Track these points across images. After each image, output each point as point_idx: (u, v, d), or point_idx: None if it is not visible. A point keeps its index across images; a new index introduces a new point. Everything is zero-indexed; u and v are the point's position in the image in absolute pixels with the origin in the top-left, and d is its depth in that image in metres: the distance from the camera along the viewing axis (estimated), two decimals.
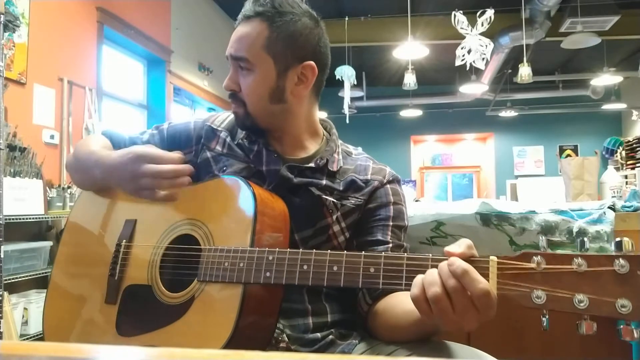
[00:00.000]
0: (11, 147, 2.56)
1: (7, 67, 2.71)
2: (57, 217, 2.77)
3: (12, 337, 2.26)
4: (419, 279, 0.65)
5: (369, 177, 0.97)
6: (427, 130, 8.83)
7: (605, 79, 6.39)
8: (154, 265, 0.87)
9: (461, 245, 0.66)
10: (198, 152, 1.01)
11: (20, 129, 2.71)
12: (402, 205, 0.97)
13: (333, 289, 0.93)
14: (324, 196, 0.92)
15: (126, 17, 3.95)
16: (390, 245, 0.91)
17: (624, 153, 7.80)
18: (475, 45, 3.91)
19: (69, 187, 2.96)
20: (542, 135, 8.46)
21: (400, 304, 0.80)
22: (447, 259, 0.65)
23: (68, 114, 3.23)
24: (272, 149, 0.96)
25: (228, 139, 1.00)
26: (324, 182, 0.94)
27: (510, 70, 6.71)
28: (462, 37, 3.98)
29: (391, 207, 0.95)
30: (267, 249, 0.77)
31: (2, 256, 2.02)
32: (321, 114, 1.05)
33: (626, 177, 7.19)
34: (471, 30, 3.91)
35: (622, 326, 0.58)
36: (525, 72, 4.64)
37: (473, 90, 6.71)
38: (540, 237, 0.66)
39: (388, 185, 0.97)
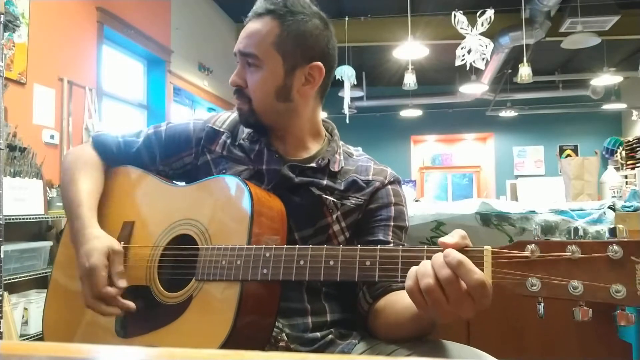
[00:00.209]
0: (11, 147, 2.56)
1: (7, 67, 2.71)
2: (57, 217, 2.77)
3: (12, 337, 2.26)
4: (412, 270, 0.66)
5: (370, 177, 0.97)
6: (427, 130, 8.84)
7: (605, 79, 6.40)
8: (152, 266, 0.88)
9: (454, 236, 0.66)
10: (198, 154, 1.01)
11: (20, 129, 2.71)
12: (403, 206, 0.98)
13: (332, 288, 0.93)
14: (324, 195, 0.93)
15: (126, 17, 3.95)
16: (391, 245, 0.91)
17: (624, 153, 7.80)
18: (475, 45, 3.91)
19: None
20: (542, 135, 8.46)
21: (399, 301, 0.81)
22: (441, 251, 0.66)
23: (68, 114, 3.23)
24: (273, 149, 0.97)
25: (229, 141, 1.00)
26: (324, 182, 0.94)
27: (510, 70, 6.71)
28: (462, 37, 3.98)
29: (392, 207, 0.95)
30: (264, 246, 0.77)
31: (2, 256, 2.02)
32: (321, 114, 1.05)
33: (626, 177, 7.19)
34: (471, 30, 3.91)
35: (617, 312, 0.58)
36: (525, 72, 4.65)
37: (473, 90, 6.71)
38: (535, 226, 0.66)
39: (389, 186, 0.98)
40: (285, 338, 0.86)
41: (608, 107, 7.55)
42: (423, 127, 8.67)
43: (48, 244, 2.70)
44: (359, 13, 5.60)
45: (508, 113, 7.97)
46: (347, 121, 5.19)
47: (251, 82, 0.93)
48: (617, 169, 7.38)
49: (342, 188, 0.95)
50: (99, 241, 0.87)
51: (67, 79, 3.24)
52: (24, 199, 2.53)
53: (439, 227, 1.51)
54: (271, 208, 0.86)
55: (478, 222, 1.49)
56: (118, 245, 0.87)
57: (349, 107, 5.40)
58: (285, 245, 0.78)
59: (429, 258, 0.66)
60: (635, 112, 7.25)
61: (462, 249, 0.65)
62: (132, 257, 0.91)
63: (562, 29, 4.86)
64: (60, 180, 1.04)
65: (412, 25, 4.62)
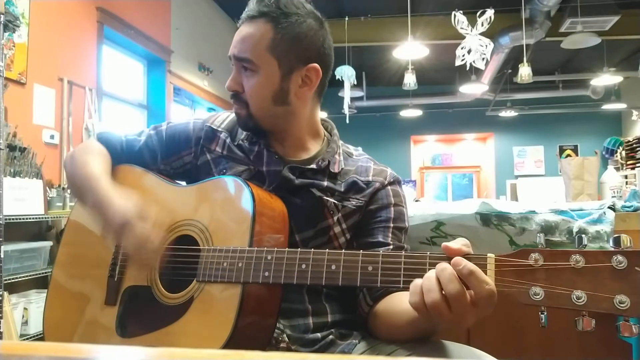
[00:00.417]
0: (11, 147, 2.56)
1: (7, 67, 2.71)
2: (57, 217, 2.77)
3: (12, 337, 2.26)
4: (417, 285, 0.65)
5: (370, 178, 0.97)
6: (427, 130, 8.83)
7: (605, 79, 6.39)
8: (153, 267, 0.87)
9: (457, 243, 0.66)
10: (197, 153, 1.01)
11: (20, 129, 2.71)
12: (402, 207, 0.97)
13: (333, 289, 0.93)
14: (325, 197, 0.92)
15: (126, 17, 3.95)
16: (391, 246, 0.91)
17: (624, 153, 7.80)
18: (475, 45, 3.91)
19: (69, 187, 2.96)
20: (542, 135, 8.46)
21: (398, 303, 0.81)
22: (444, 257, 0.65)
23: (68, 114, 3.23)
24: (272, 150, 0.96)
25: (228, 140, 1.00)
26: (325, 183, 0.94)
27: (510, 70, 6.71)
28: (462, 37, 3.98)
29: (392, 208, 0.95)
30: (265, 248, 0.77)
31: (2, 256, 2.02)
32: (321, 114, 1.05)
33: (626, 177, 7.19)
34: (471, 30, 3.91)
35: (621, 322, 0.58)
36: (525, 72, 4.64)
37: (473, 90, 6.71)
38: (539, 235, 0.66)
39: (389, 187, 0.97)
40: (286, 339, 0.86)
41: (608, 107, 7.55)
42: (423, 127, 8.66)
43: (48, 244, 2.70)
44: (359, 13, 5.59)
45: (508, 113, 7.96)
46: (347, 121, 5.19)
47: (248, 87, 0.92)
48: (617, 169, 7.38)
49: (342, 189, 0.94)
50: (126, 201, 0.85)
51: (67, 79, 3.24)
52: (24, 199, 2.53)
53: (439, 227, 1.51)
54: (273, 209, 0.86)
55: (478, 222, 1.49)
56: (141, 205, 0.86)
57: (349, 107, 5.40)
58: (287, 249, 0.78)
59: (432, 265, 0.66)
60: (635, 112, 7.25)
61: (465, 256, 0.64)
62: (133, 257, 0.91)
63: (562, 29, 4.85)
64: (67, 171, 1.02)
65: (412, 25, 4.62)
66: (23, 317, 2.51)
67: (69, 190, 2.92)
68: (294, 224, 0.89)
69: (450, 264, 0.63)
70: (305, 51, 0.91)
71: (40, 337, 2.48)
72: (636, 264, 0.57)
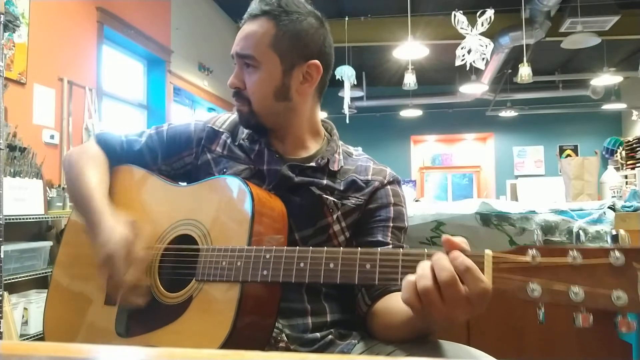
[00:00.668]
0: (11, 147, 2.56)
1: (7, 67, 2.71)
2: (57, 217, 2.77)
3: (12, 337, 2.26)
4: (410, 281, 0.65)
5: (369, 177, 0.97)
6: (427, 130, 8.84)
7: (605, 79, 6.40)
8: (153, 266, 0.88)
9: (457, 239, 0.66)
10: (198, 154, 1.01)
11: (20, 129, 2.71)
12: (402, 207, 0.98)
13: (332, 289, 0.93)
14: (324, 195, 0.93)
15: (126, 17, 3.95)
16: (390, 246, 0.91)
17: (624, 153, 7.80)
18: (475, 45, 3.91)
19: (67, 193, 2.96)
20: (542, 135, 8.46)
21: (396, 303, 0.81)
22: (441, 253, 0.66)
23: (68, 114, 3.23)
24: (273, 149, 0.97)
25: (229, 141, 1.00)
26: (324, 181, 0.94)
27: (510, 70, 6.71)
28: (462, 37, 3.98)
29: (391, 208, 0.95)
30: (264, 247, 0.77)
31: (2, 256, 2.02)
32: (321, 114, 1.05)
33: (626, 177, 7.19)
34: (471, 30, 3.91)
35: (619, 318, 0.58)
36: (525, 72, 4.65)
37: (473, 90, 6.71)
38: (536, 231, 0.66)
39: (389, 186, 0.98)
40: (285, 338, 0.86)
41: (608, 107, 7.55)
42: (423, 127, 8.67)
43: (48, 244, 2.70)
44: (359, 13, 5.59)
45: (508, 113, 7.97)
46: (347, 121, 5.19)
47: (249, 84, 0.93)
48: (617, 169, 7.38)
49: (341, 188, 0.95)
50: (117, 230, 0.86)
51: (67, 79, 3.24)
52: (24, 199, 2.53)
53: (439, 227, 1.51)
54: (272, 209, 0.86)
55: (478, 222, 1.49)
56: (133, 236, 0.86)
57: (349, 107, 5.40)
58: (285, 247, 0.78)
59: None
60: (635, 112, 7.25)
61: (462, 253, 0.65)
62: None
63: (562, 29, 4.86)
64: (65, 176, 1.04)
65: (412, 25, 4.62)
66: (23, 317, 2.51)
67: None
68: (293, 222, 0.89)
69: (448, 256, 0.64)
70: (306, 48, 0.93)
71: (40, 337, 2.48)
72: (634, 260, 0.57)
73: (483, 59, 3.94)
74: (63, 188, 2.93)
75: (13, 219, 2.41)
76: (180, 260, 0.85)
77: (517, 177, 8.21)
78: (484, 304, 0.62)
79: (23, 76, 2.87)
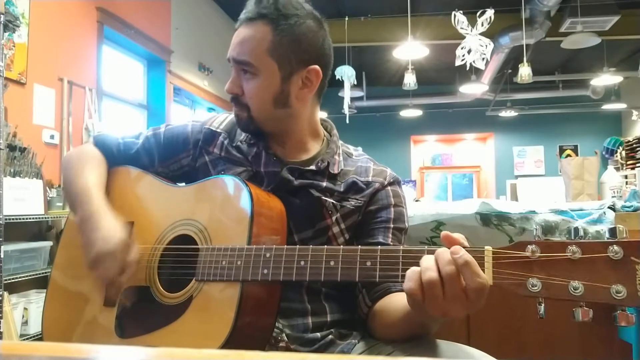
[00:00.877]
0: (11, 147, 2.56)
1: (7, 67, 2.71)
2: (57, 217, 2.77)
3: (12, 337, 2.26)
4: (414, 270, 0.66)
5: (369, 178, 0.97)
6: (427, 130, 8.84)
7: (605, 79, 6.40)
8: (152, 267, 0.88)
9: (457, 235, 0.67)
10: (195, 156, 1.01)
11: (20, 129, 2.71)
12: (402, 208, 0.97)
13: (332, 289, 0.93)
14: (323, 197, 0.92)
15: (126, 17, 3.95)
16: (391, 247, 0.91)
17: (624, 153, 7.80)
18: (475, 45, 3.91)
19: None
20: (542, 135, 8.46)
21: (395, 302, 0.81)
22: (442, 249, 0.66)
23: (68, 114, 3.23)
24: (271, 152, 0.96)
25: (226, 142, 1.00)
26: (324, 184, 0.94)
27: (510, 70, 6.71)
28: (462, 37, 3.98)
29: (392, 209, 0.95)
30: (264, 246, 0.77)
31: (2, 256, 2.02)
32: (321, 114, 1.04)
33: (626, 177, 7.19)
34: (471, 30, 3.91)
35: (618, 312, 0.58)
36: (525, 72, 4.65)
37: (473, 90, 6.71)
38: (535, 228, 0.66)
39: (389, 187, 0.97)
40: (286, 338, 0.86)
41: (608, 107, 7.56)
42: (423, 127, 8.67)
43: (48, 244, 2.70)
44: (359, 13, 5.59)
45: (508, 113, 7.97)
46: (347, 121, 5.19)
47: (248, 90, 0.91)
48: (617, 169, 7.37)
49: (341, 190, 0.94)
50: (114, 230, 0.86)
51: (67, 79, 3.24)
52: (24, 199, 2.53)
53: (439, 227, 1.51)
54: (271, 208, 0.86)
55: (478, 222, 1.49)
56: (126, 235, 0.87)
57: (349, 107, 5.40)
58: (285, 246, 0.78)
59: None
60: (635, 112, 7.25)
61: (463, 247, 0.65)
62: None
63: (562, 29, 4.85)
64: (63, 177, 1.04)
65: (412, 25, 4.62)
66: (23, 317, 2.51)
67: None
68: (292, 224, 0.89)
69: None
70: (305, 53, 0.91)
71: (40, 337, 2.48)
72: (632, 254, 0.58)
73: (483, 59, 3.94)
74: (63, 188, 2.93)
75: (13, 219, 2.41)
76: (180, 260, 0.85)
77: (517, 177, 8.20)
78: (482, 299, 0.63)
79: (23, 76, 2.87)
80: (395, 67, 6.69)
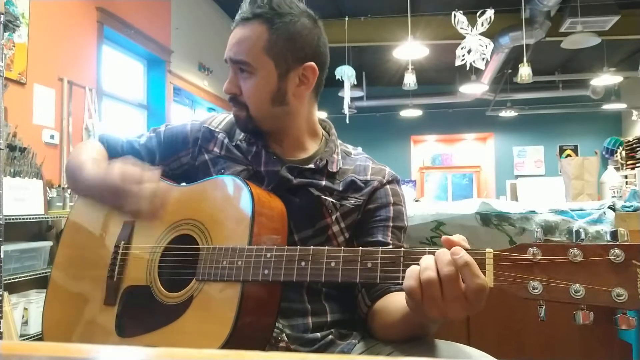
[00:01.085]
0: (11, 147, 2.56)
1: (7, 67, 2.71)
2: (57, 217, 2.77)
3: (12, 337, 2.26)
4: (414, 269, 0.66)
5: (368, 177, 0.97)
6: (427, 130, 8.84)
7: (605, 79, 6.40)
8: (153, 266, 0.88)
9: (457, 237, 0.67)
10: (195, 154, 1.01)
11: (20, 129, 2.71)
12: (401, 206, 0.97)
13: (332, 289, 0.93)
14: (323, 196, 0.92)
15: (126, 17, 3.95)
16: (390, 246, 0.91)
17: (624, 153, 7.80)
18: (475, 45, 3.91)
19: (69, 187, 2.96)
20: (542, 135, 8.46)
21: (394, 302, 0.81)
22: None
23: (68, 114, 3.23)
24: (271, 151, 0.97)
25: (226, 141, 1.00)
26: (323, 182, 0.94)
27: (510, 70, 6.71)
28: (462, 37, 3.98)
29: (391, 207, 0.95)
30: (265, 246, 0.77)
31: (2, 256, 2.02)
32: (321, 114, 1.05)
33: (626, 177, 7.18)
34: (471, 30, 3.91)
35: (619, 315, 0.58)
36: (525, 72, 4.65)
37: (473, 90, 6.71)
38: (536, 229, 0.66)
39: (388, 186, 0.97)
40: (286, 338, 0.86)
41: (608, 107, 7.56)
42: (423, 127, 8.67)
43: (48, 244, 2.70)
44: (359, 13, 5.59)
45: (508, 113, 7.97)
46: (347, 121, 5.19)
47: (245, 90, 0.92)
48: (617, 169, 7.37)
49: (340, 189, 0.95)
50: (124, 168, 0.84)
51: (67, 79, 3.24)
52: (24, 199, 2.53)
53: (439, 227, 1.51)
54: (272, 208, 0.86)
55: (478, 222, 1.49)
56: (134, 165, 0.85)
57: (349, 107, 5.40)
58: (286, 246, 0.78)
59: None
60: (635, 112, 7.25)
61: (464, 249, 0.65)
62: (133, 257, 0.91)
63: (562, 29, 4.86)
64: (67, 168, 1.03)
65: (412, 25, 4.62)
66: (23, 317, 2.51)
67: (69, 190, 2.92)
68: (292, 223, 0.89)
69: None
70: (301, 50, 0.92)
71: (40, 337, 2.48)
72: (633, 257, 0.58)
73: (483, 59, 3.94)
74: (63, 188, 2.93)
75: (13, 219, 2.41)
76: (181, 260, 0.85)
77: (517, 177, 8.20)
78: (481, 301, 0.63)
79: (23, 76, 2.87)
80: (395, 67, 6.69)
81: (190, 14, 5.07)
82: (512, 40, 5.13)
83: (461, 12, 3.92)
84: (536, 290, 0.61)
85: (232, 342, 0.73)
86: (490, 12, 3.78)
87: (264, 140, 0.97)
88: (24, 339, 2.44)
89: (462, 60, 3.98)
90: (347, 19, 5.43)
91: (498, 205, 1.51)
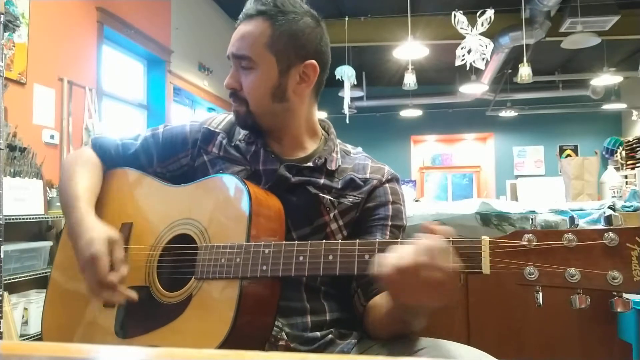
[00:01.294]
0: (11, 147, 2.56)
1: (7, 67, 2.71)
2: (57, 217, 2.77)
3: (12, 337, 2.26)
4: (389, 255, 0.67)
5: (367, 175, 0.97)
6: (427, 130, 8.84)
7: (605, 79, 6.40)
8: (151, 266, 0.88)
9: (438, 226, 0.70)
10: (194, 155, 1.01)
11: (20, 129, 2.71)
12: (400, 205, 0.98)
13: (331, 288, 0.93)
14: (321, 194, 0.93)
15: (126, 17, 3.95)
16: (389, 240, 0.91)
17: (624, 153, 7.80)
18: (475, 45, 3.91)
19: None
20: (542, 135, 8.46)
21: (380, 298, 0.83)
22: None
23: (68, 114, 3.23)
24: (269, 150, 0.97)
25: (225, 141, 1.00)
26: (321, 180, 0.94)
27: (510, 70, 6.71)
28: (462, 37, 3.98)
29: (390, 206, 0.95)
30: (262, 242, 0.78)
31: (2, 256, 2.02)
32: (321, 114, 1.05)
33: (626, 177, 7.19)
34: (471, 30, 3.91)
35: (614, 298, 0.59)
36: (525, 72, 4.65)
37: (473, 90, 6.71)
38: (531, 217, 0.67)
39: (387, 184, 0.97)
40: (285, 337, 0.86)
41: (608, 107, 7.56)
42: (423, 127, 8.67)
43: (48, 244, 2.70)
44: (359, 13, 5.59)
45: (508, 113, 7.97)
46: (347, 121, 5.20)
47: (246, 84, 0.93)
48: (617, 169, 7.38)
49: (339, 187, 0.95)
50: (97, 231, 0.86)
51: (67, 79, 3.24)
52: (24, 199, 2.53)
53: None
54: (269, 207, 0.86)
55: (478, 222, 1.49)
56: (116, 234, 0.87)
57: (349, 107, 5.40)
58: (284, 242, 0.78)
59: None
60: (635, 112, 7.25)
61: (459, 239, 0.67)
62: (131, 258, 0.91)
63: (562, 29, 4.85)
64: (59, 182, 1.05)
65: (412, 25, 4.62)
66: (23, 317, 2.51)
67: None
68: (290, 221, 0.89)
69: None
70: (303, 48, 0.92)
71: (40, 337, 2.48)
72: (627, 240, 0.58)
73: (483, 59, 3.94)
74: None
75: (13, 219, 2.41)
76: (179, 259, 0.85)
77: (517, 177, 8.20)
78: (455, 289, 0.64)
79: (23, 76, 2.87)
80: (395, 67, 6.69)
81: (190, 14, 5.07)
82: (512, 40, 5.13)
83: (461, 12, 3.92)
84: (532, 276, 0.61)
85: (231, 341, 0.73)
86: (490, 12, 3.78)
87: (263, 139, 0.98)
88: (24, 339, 2.44)
89: (462, 60, 3.98)
90: (347, 19, 5.43)
91: (498, 205, 1.51)
